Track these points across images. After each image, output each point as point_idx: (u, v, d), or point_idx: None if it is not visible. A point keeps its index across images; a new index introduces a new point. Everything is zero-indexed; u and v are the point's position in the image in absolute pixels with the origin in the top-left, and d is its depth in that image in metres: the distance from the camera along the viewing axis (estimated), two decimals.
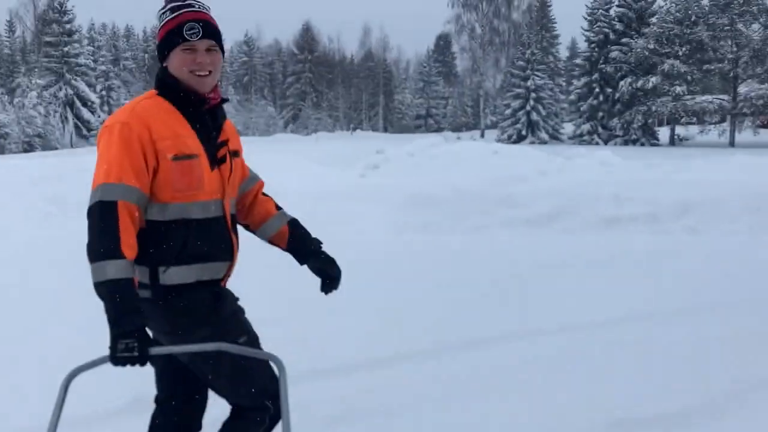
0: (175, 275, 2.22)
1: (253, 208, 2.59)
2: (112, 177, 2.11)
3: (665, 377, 4.09)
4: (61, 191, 10.81)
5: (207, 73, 2.27)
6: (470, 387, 3.95)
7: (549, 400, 3.77)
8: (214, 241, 2.28)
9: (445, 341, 4.71)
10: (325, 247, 2.61)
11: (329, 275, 2.56)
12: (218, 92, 2.36)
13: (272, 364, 2.19)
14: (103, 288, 2.04)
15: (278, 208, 2.63)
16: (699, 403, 3.71)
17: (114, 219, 2.07)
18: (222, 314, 2.31)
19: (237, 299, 2.45)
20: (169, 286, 2.23)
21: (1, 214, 10.00)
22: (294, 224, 2.60)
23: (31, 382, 3.94)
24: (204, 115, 2.31)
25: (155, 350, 2.07)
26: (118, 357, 2.01)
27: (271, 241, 2.59)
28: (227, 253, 2.34)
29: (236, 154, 2.44)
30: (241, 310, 2.43)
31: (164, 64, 2.32)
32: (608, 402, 3.74)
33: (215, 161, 2.30)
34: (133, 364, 2.03)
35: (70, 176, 11.45)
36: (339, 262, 2.61)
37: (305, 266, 2.61)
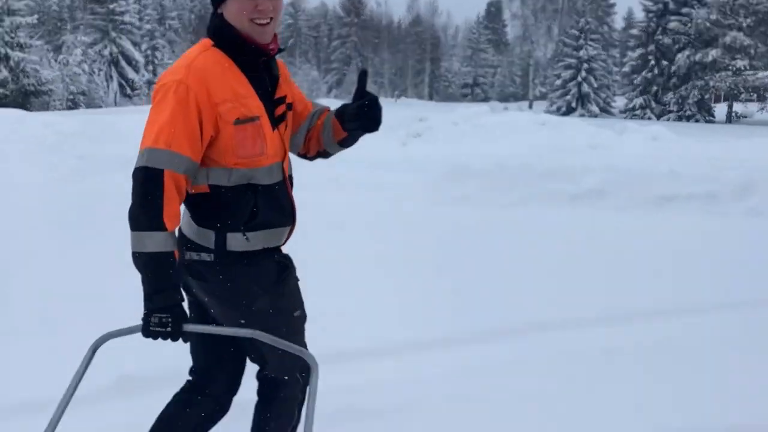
0: (242, 242, 2.12)
1: (315, 133, 2.37)
2: (161, 142, 1.95)
3: (719, 381, 3.55)
4: (91, 148, 10.61)
5: (268, 20, 2.07)
6: (494, 382, 3.47)
7: (587, 402, 3.26)
8: (278, 207, 2.18)
9: (471, 328, 4.22)
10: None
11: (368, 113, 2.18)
12: (277, 41, 2.17)
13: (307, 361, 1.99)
14: (141, 260, 1.96)
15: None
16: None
17: (158, 189, 1.94)
18: (285, 286, 2.22)
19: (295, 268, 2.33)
20: (235, 252, 2.12)
21: (31, 168, 9.83)
22: (339, 107, 2.31)
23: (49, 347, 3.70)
24: (261, 68, 2.13)
25: (189, 327, 2.00)
26: (150, 330, 1.95)
27: (340, 142, 2.33)
28: (289, 217, 2.23)
29: (290, 107, 2.26)
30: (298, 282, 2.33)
31: (219, 11, 2.09)
32: (652, 408, 3.22)
33: (275, 121, 2.15)
34: (165, 338, 1.97)
35: (101, 134, 11.24)
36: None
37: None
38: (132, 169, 1.98)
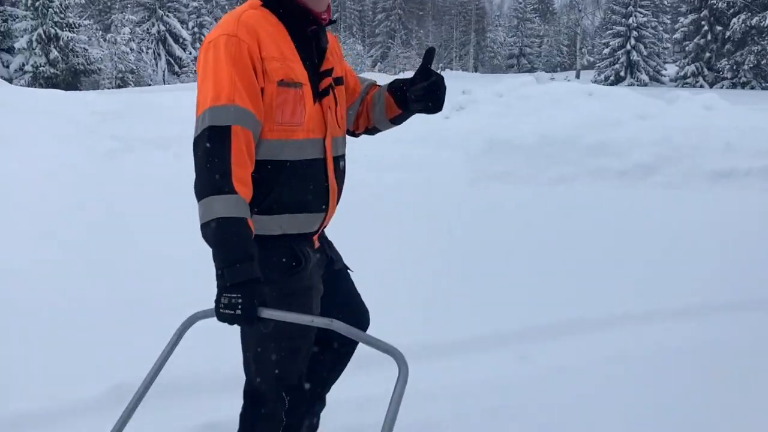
0: (258, 225, 1.89)
1: (364, 109, 2.27)
2: (223, 98, 1.78)
3: None
4: (126, 127, 10.52)
5: None
6: (532, 392, 3.17)
7: (633, 413, 2.96)
8: (307, 189, 1.96)
9: (506, 328, 3.85)
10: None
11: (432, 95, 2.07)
12: (329, 12, 2.02)
13: (394, 360, 1.69)
14: (209, 229, 1.73)
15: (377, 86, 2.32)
16: None
17: (225, 147, 1.75)
18: (295, 283, 1.98)
19: (333, 267, 2.17)
20: None
21: (67, 148, 9.78)
22: (392, 83, 2.21)
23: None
24: (310, 37, 1.98)
25: (266, 313, 1.73)
26: (220, 313, 1.73)
27: (393, 120, 2.23)
28: (322, 203, 2.01)
29: (339, 81, 2.10)
30: (317, 290, 2.06)
31: None
32: (713, 421, 2.89)
33: (317, 94, 1.97)
34: (239, 323, 1.73)
35: (137, 113, 11.15)
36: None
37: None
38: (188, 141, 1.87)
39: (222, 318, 1.74)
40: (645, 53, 44.55)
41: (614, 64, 45.14)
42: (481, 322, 3.89)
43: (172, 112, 11.00)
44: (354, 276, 2.33)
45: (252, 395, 2.09)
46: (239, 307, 1.70)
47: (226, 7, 71.48)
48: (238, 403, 2.76)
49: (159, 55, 48.58)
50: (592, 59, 56.78)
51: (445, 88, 2.06)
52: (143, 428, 2.55)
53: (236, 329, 2.63)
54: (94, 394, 2.96)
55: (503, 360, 3.46)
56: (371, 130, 2.30)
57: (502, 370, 3.34)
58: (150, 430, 2.66)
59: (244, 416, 2.11)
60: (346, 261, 2.31)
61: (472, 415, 2.92)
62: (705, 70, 41.03)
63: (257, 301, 1.73)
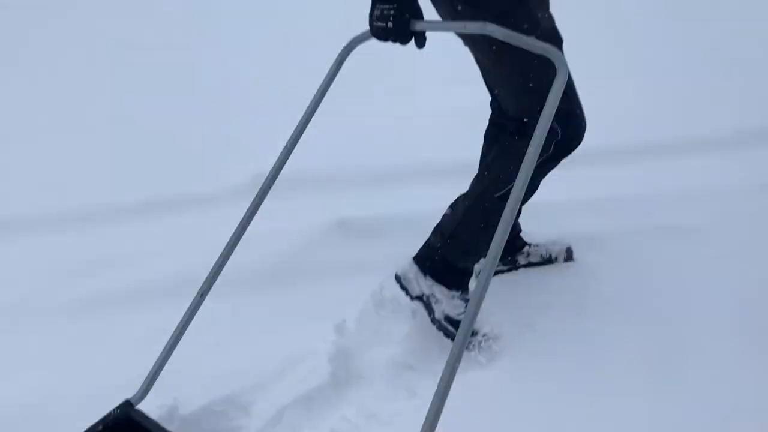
0: None
1: None
2: None
3: None
4: None
5: None
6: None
7: None
8: None
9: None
10: None
11: None
12: None
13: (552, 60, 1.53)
14: None
15: None
16: None
17: None
18: None
19: None
20: None
21: None
22: None
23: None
24: None
25: (419, 25, 1.62)
26: (373, 25, 1.65)
27: None
28: None
29: None
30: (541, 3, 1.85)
31: None
32: None
33: None
34: (392, 39, 1.65)
35: None
36: None
37: None
38: None
39: (375, 31, 1.66)
40: None
41: None
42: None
43: None
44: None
45: (519, 128, 1.92)
46: (391, 18, 1.61)
47: None
48: (368, 201, 2.75)
49: None
50: None
51: None
52: (276, 215, 2.39)
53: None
54: (238, 181, 2.99)
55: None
56: None
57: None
58: (282, 218, 2.58)
59: (502, 144, 1.96)
60: None
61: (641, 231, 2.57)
62: None
63: (409, 14, 1.62)
